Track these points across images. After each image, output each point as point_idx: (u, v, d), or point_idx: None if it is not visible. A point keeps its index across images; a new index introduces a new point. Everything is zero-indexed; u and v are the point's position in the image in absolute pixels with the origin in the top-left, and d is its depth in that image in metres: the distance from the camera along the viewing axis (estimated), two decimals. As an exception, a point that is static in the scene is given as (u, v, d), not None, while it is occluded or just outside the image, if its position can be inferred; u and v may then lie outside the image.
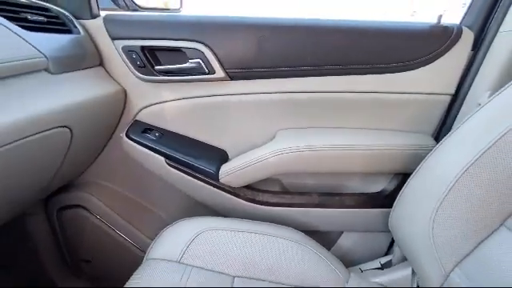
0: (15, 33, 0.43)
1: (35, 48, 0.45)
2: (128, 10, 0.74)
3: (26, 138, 0.41)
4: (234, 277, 0.47)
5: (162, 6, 0.85)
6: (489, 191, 0.40)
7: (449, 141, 0.47)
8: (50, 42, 0.49)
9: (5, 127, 0.37)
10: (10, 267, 0.80)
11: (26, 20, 0.47)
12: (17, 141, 0.39)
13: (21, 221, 0.71)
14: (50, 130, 0.46)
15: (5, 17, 0.43)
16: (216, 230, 0.52)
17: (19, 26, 0.44)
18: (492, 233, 0.40)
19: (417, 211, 0.48)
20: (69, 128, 0.50)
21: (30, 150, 0.44)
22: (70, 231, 0.75)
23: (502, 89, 0.43)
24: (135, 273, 0.47)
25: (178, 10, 0.87)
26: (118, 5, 0.73)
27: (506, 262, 0.37)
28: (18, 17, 0.46)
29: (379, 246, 0.71)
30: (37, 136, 0.43)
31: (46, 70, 0.47)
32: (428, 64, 0.58)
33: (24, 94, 0.42)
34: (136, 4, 0.75)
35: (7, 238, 0.74)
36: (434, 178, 0.46)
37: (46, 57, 0.46)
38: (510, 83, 0.42)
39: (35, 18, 0.49)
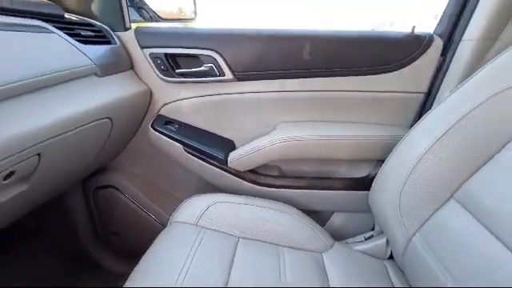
0: (74, 45, 0.56)
1: (87, 57, 0.58)
2: (152, 21, 0.87)
3: (80, 127, 0.54)
4: (239, 238, 0.59)
5: (180, 16, 0.98)
6: (442, 169, 0.50)
7: (416, 130, 0.58)
8: (97, 52, 0.62)
9: (65, 119, 0.50)
10: (52, 238, 0.95)
11: (79, 35, 0.60)
12: (73, 130, 0.52)
13: (63, 198, 0.86)
14: (97, 120, 0.59)
15: (66, 33, 0.57)
16: (225, 203, 0.65)
17: (76, 40, 0.58)
18: (444, 203, 0.51)
19: (389, 188, 0.59)
20: (110, 119, 0.63)
21: (82, 137, 0.57)
22: (102, 208, 0.90)
23: (459, 86, 0.53)
24: (161, 233, 0.59)
25: (192, 20, 1.00)
26: (143, 17, 0.86)
27: (453, 227, 0.47)
28: (74, 33, 0.59)
29: (365, 225, 0.81)
30: (87, 126, 0.56)
31: (95, 74, 0.60)
32: (404, 67, 0.68)
33: (79, 93, 0.56)
34: (158, 16, 0.88)
35: (51, 213, 0.89)
36: (403, 159, 0.57)
37: (94, 64, 0.59)
38: (463, 82, 0.53)
39: (85, 32, 0.63)
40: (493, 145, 0.46)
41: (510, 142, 0.44)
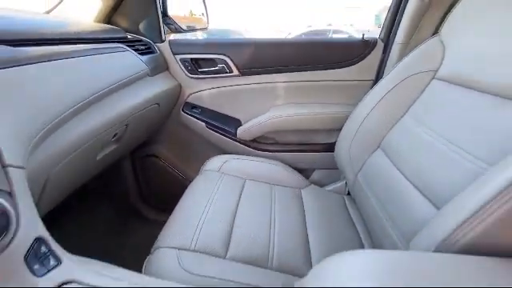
0: (137, 57, 0.88)
1: (145, 64, 0.89)
2: (176, 32, 1.17)
3: (143, 109, 0.86)
4: (245, 179, 0.90)
5: (193, 21, 1.28)
6: (373, 127, 0.79)
7: (360, 104, 0.87)
8: (148, 60, 0.93)
9: (137, 104, 0.81)
10: (108, 197, 1.29)
11: (138, 49, 0.91)
12: (141, 110, 0.84)
13: (117, 165, 1.19)
14: (151, 105, 0.91)
15: (132, 49, 0.88)
16: (236, 159, 0.97)
17: (138, 53, 0.89)
18: (374, 151, 0.81)
19: (344, 144, 0.89)
20: (158, 104, 0.95)
21: (144, 116, 0.89)
22: (146, 172, 1.23)
23: (387, 74, 0.83)
24: (194, 180, 0.91)
25: (205, 28, 1.30)
26: (170, 29, 1.16)
27: (379, 170, 0.74)
28: (135, 48, 0.90)
29: (337, 179, 1.12)
30: (147, 109, 0.88)
31: (148, 74, 0.91)
32: (359, 62, 0.98)
33: (142, 88, 0.87)
34: (181, 28, 1.18)
35: (109, 176, 1.22)
36: (352, 124, 0.87)
37: (148, 68, 0.90)
38: (390, 71, 0.82)
39: (139, 47, 0.94)
40: (402, 109, 0.75)
41: (411, 107, 0.73)
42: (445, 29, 0.72)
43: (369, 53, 0.97)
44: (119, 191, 1.26)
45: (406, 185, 0.60)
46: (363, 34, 0.96)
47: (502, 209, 0.32)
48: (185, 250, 0.59)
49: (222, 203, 0.74)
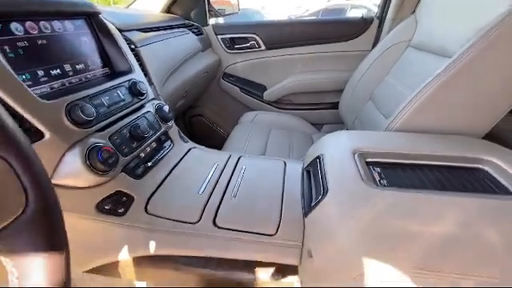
0: (195, 38, 1.22)
1: (199, 43, 1.24)
2: (216, 16, 1.49)
3: (198, 76, 1.21)
4: (271, 129, 1.25)
5: (233, 10, 1.59)
6: (366, 85, 1.11)
7: (356, 69, 1.17)
8: (200, 39, 1.27)
9: (195, 73, 1.16)
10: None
11: (194, 32, 1.25)
12: (196, 78, 1.20)
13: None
14: (203, 74, 1.26)
15: (191, 32, 1.22)
16: (264, 114, 1.31)
17: (194, 34, 1.23)
18: (366, 102, 1.12)
19: (344, 99, 1.21)
20: (207, 73, 1.30)
21: (196, 83, 1.24)
22: (194, 129, 1.62)
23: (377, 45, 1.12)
24: (234, 129, 1.27)
25: (237, 13, 1.60)
26: (211, 15, 1.48)
27: (369, 115, 1.07)
28: (192, 31, 1.24)
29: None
30: (200, 76, 1.23)
31: (201, 50, 1.26)
32: (359, 36, 1.26)
33: (198, 60, 1.22)
34: (220, 13, 1.49)
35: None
36: (352, 82, 1.18)
37: (201, 45, 1.25)
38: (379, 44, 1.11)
39: (194, 30, 1.28)
40: (386, 70, 1.04)
41: (392, 68, 1.03)
42: (418, 9, 0.99)
43: (367, 28, 1.25)
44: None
45: (380, 117, 0.92)
46: (362, 14, 1.23)
47: (421, 100, 0.63)
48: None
49: (255, 144, 1.09)
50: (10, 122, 0.19)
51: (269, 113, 1.34)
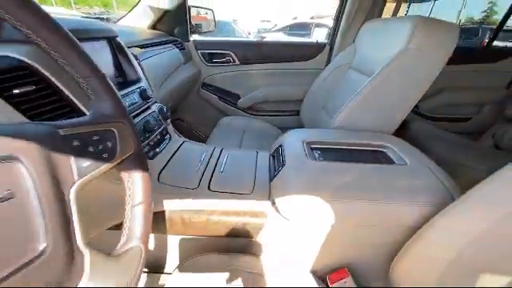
0: (179, 52, 1.42)
1: (181, 56, 1.44)
2: (195, 33, 1.70)
3: (180, 86, 1.41)
4: (244, 130, 1.49)
5: (209, 27, 1.82)
6: (321, 96, 1.41)
7: (314, 83, 1.47)
8: (182, 53, 1.47)
9: (179, 83, 1.36)
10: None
11: (177, 47, 1.46)
12: (179, 87, 1.40)
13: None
14: (184, 83, 1.46)
15: (175, 47, 1.42)
16: (238, 118, 1.55)
17: (178, 49, 1.43)
18: (320, 109, 1.41)
19: (304, 108, 1.49)
20: (189, 82, 1.50)
21: (179, 91, 1.44)
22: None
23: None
24: (212, 132, 1.48)
25: (213, 31, 1.84)
26: (191, 31, 1.70)
27: (320, 120, 1.38)
28: (176, 46, 1.45)
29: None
30: (182, 85, 1.43)
31: (183, 63, 1.46)
32: (314, 57, 1.58)
33: (180, 72, 1.42)
34: (199, 31, 1.71)
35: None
36: (310, 95, 1.47)
37: (183, 58, 1.45)
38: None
39: (177, 44, 1.48)
40: (334, 85, 1.35)
41: (338, 85, 1.34)
42: (357, 39, 1.32)
43: (321, 51, 1.57)
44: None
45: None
46: (317, 39, 1.55)
47: (350, 107, 0.92)
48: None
49: (232, 142, 1.32)
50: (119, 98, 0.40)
51: (242, 117, 1.58)
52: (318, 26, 7.77)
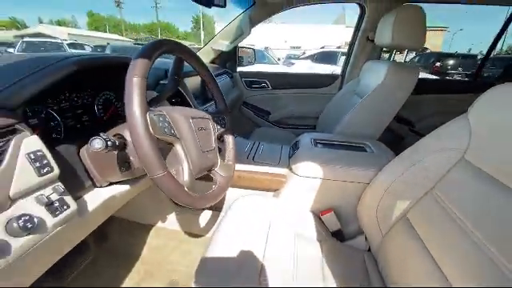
0: (230, 80, 2.01)
1: (231, 83, 2.02)
2: (240, 65, 2.30)
3: (230, 104, 1.98)
4: (273, 138, 1.99)
5: (250, 60, 2.42)
6: (333, 114, 1.88)
7: (329, 103, 1.95)
8: (231, 80, 2.06)
9: (229, 102, 1.93)
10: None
11: (228, 76, 2.05)
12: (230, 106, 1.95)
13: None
14: (233, 102, 2.02)
15: (227, 76, 2.01)
16: (269, 129, 2.06)
17: (229, 79, 2.02)
18: (333, 125, 1.88)
19: (322, 122, 1.97)
20: (235, 101, 2.07)
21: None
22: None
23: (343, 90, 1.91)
24: (249, 137, 2.00)
25: (253, 63, 2.44)
26: (238, 65, 2.29)
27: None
28: (227, 75, 2.04)
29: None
30: (231, 104, 2.00)
31: (232, 87, 2.04)
32: (329, 85, 2.07)
33: (231, 94, 1.99)
34: (244, 64, 2.31)
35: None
36: (326, 112, 1.95)
37: (233, 85, 2.03)
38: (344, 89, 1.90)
39: (228, 75, 2.07)
40: (344, 107, 1.82)
41: (345, 106, 1.80)
42: (361, 73, 1.79)
43: (335, 81, 2.06)
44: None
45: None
46: (332, 71, 2.06)
47: (348, 119, 1.39)
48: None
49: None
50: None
51: (272, 128, 2.09)
52: (344, 54, 8.31)
